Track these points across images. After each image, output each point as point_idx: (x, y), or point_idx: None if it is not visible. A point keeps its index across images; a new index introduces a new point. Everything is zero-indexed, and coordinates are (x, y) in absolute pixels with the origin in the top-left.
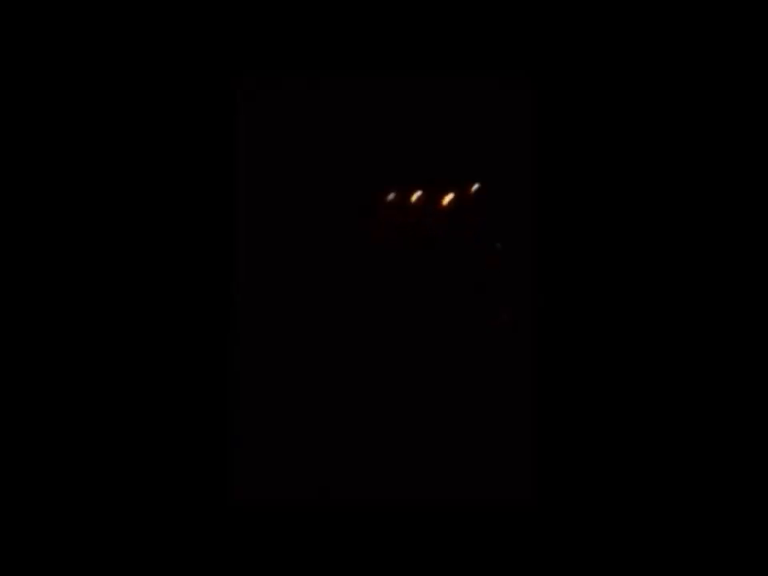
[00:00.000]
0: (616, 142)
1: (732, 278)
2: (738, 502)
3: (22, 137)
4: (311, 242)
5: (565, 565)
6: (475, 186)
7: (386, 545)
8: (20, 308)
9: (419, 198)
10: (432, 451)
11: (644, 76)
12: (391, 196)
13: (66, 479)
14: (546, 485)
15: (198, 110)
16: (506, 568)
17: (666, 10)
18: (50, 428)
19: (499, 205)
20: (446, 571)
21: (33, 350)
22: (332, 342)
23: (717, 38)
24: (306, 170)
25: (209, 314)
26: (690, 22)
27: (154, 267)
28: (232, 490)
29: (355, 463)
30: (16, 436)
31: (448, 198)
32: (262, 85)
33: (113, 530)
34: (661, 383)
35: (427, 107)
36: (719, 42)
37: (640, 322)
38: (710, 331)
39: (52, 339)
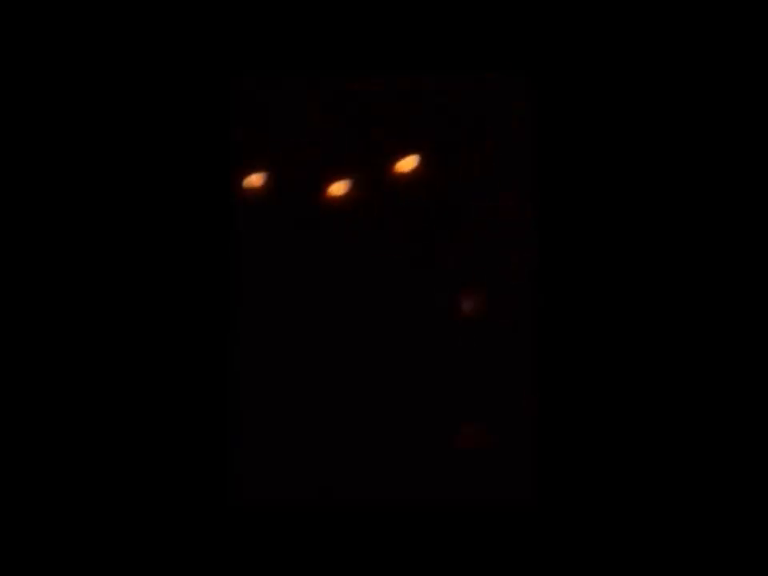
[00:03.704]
0: (617, 142)
1: (735, 276)
2: (737, 502)
3: (20, 136)
4: (310, 242)
5: (564, 564)
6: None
7: (387, 544)
8: (20, 309)
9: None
10: (433, 452)
11: (644, 78)
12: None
13: (67, 478)
14: (546, 485)
15: (198, 109)
16: (508, 567)
17: (666, 12)
18: (51, 428)
19: (499, 205)
20: (448, 571)
21: (34, 352)
22: (333, 343)
23: (720, 42)
24: (307, 170)
25: (209, 314)
26: (694, 24)
27: (154, 266)
28: (232, 491)
29: (357, 464)
30: (16, 436)
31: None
32: (262, 85)
33: (114, 530)
34: (661, 385)
35: (428, 107)
36: (722, 47)
37: (641, 324)
38: (711, 332)
39: (51, 341)
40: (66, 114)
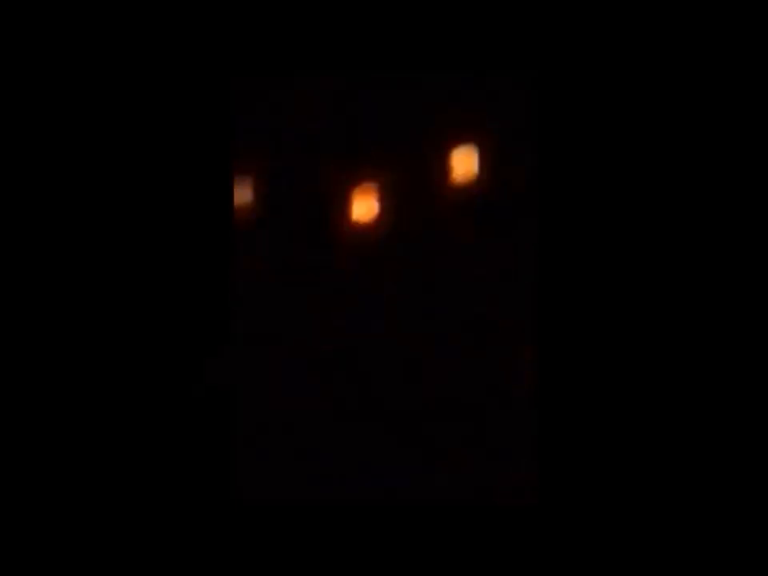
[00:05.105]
0: (621, 143)
1: (735, 277)
2: (737, 502)
3: (18, 137)
4: (308, 243)
5: (566, 565)
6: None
7: (388, 545)
8: (19, 309)
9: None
10: (433, 453)
11: (649, 78)
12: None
13: (70, 477)
14: (548, 487)
15: (199, 110)
16: (509, 569)
17: (672, 12)
18: (54, 428)
19: (499, 206)
20: (449, 572)
21: (36, 354)
22: (335, 341)
23: (722, 43)
24: (307, 171)
25: (208, 313)
26: (702, 24)
27: (155, 264)
28: (235, 491)
29: (358, 465)
30: (19, 434)
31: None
32: (263, 85)
33: (117, 528)
34: (662, 386)
35: (431, 105)
36: (725, 48)
37: (643, 326)
38: (711, 330)
39: (56, 341)
40: (65, 112)
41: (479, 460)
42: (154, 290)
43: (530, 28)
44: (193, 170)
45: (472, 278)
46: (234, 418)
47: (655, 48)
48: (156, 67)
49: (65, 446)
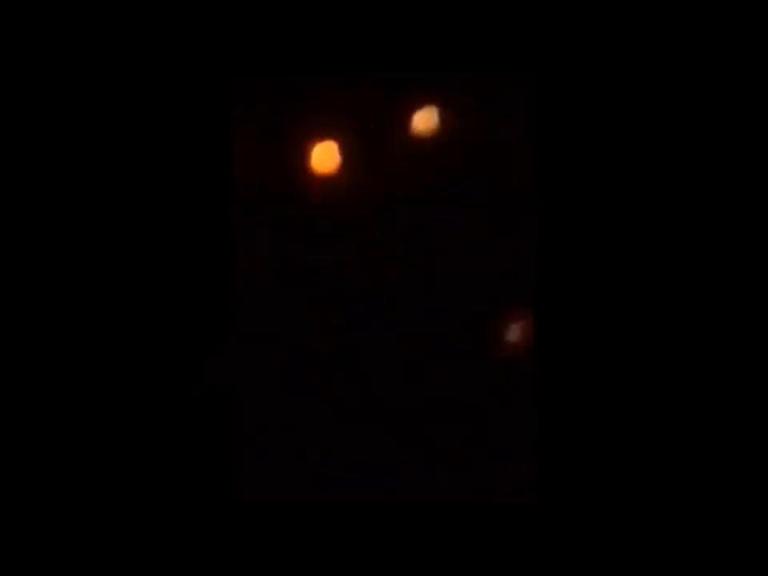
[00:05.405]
0: (622, 146)
1: (743, 278)
2: (738, 503)
3: (17, 137)
4: (308, 243)
5: (567, 566)
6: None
7: (390, 544)
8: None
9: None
10: (434, 453)
11: (650, 80)
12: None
13: (69, 477)
14: (548, 487)
15: (198, 110)
16: (510, 569)
17: (673, 14)
18: (53, 428)
19: (499, 205)
20: (449, 572)
21: (35, 354)
22: (336, 339)
23: (723, 43)
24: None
25: (208, 313)
26: (705, 25)
27: (155, 266)
28: (235, 490)
29: (358, 465)
30: (18, 433)
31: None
32: (262, 85)
33: (116, 528)
34: (662, 386)
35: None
36: (725, 48)
37: (643, 326)
38: (712, 333)
39: (53, 340)
40: (63, 111)
41: (479, 460)
42: (153, 289)
43: (529, 28)
44: (192, 170)
45: (472, 278)
46: (234, 418)
47: (656, 48)
48: (155, 67)
49: (63, 446)
